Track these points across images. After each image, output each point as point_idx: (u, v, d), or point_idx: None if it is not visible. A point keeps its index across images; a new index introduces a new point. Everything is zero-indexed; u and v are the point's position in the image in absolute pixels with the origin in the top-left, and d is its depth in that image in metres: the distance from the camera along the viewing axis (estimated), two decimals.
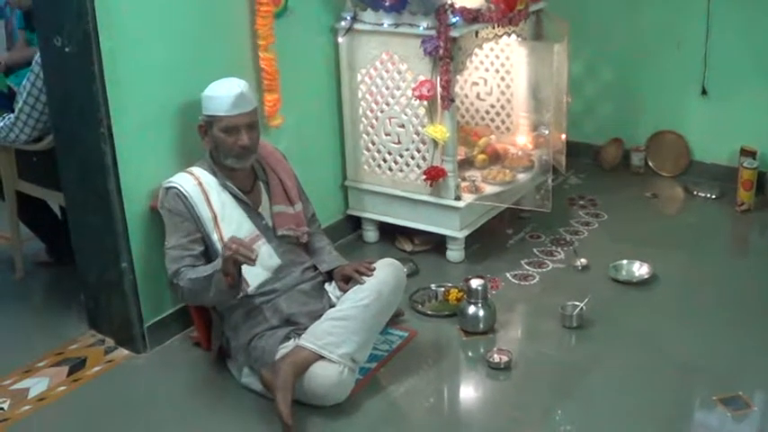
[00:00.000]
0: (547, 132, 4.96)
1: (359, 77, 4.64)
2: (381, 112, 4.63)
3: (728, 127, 5.52)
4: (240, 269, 3.36)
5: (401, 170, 4.66)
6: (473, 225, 4.70)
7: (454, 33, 4.26)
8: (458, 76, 4.59)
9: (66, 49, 3.57)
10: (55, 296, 4.55)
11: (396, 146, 4.64)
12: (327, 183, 4.85)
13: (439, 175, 4.46)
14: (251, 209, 3.68)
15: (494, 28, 4.57)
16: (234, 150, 3.57)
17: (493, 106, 5.36)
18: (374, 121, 4.67)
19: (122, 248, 3.76)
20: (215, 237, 3.55)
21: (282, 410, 3.25)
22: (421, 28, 4.31)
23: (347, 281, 3.73)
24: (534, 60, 5.05)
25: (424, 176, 4.50)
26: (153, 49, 3.71)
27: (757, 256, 4.83)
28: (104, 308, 4.01)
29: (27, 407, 3.59)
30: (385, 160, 4.70)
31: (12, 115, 4.21)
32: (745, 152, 5.31)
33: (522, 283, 4.45)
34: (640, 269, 4.47)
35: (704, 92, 5.51)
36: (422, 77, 4.37)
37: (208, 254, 3.57)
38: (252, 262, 3.27)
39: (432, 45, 4.25)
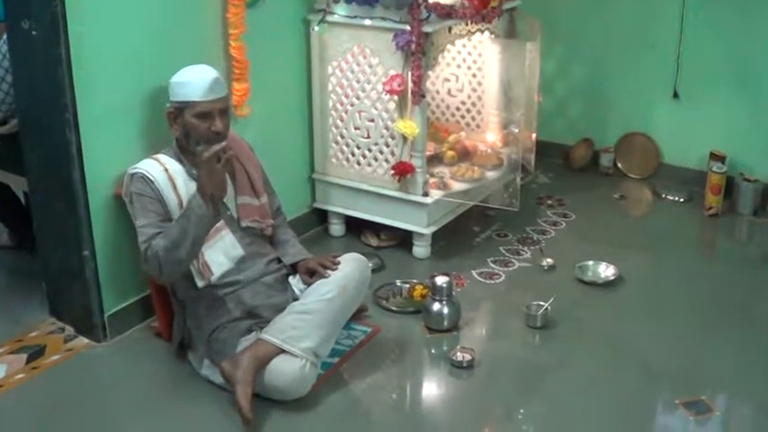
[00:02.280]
0: (517, 131, 4.96)
1: (330, 70, 4.61)
2: (351, 105, 4.60)
3: (698, 131, 5.53)
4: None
5: (369, 164, 4.64)
6: (440, 222, 4.68)
7: (427, 29, 4.24)
8: (429, 72, 4.58)
9: (34, 33, 3.51)
10: (16, 282, 4.49)
11: (364, 140, 4.61)
12: (294, 175, 4.82)
13: (407, 171, 4.45)
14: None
15: (467, 24, 4.56)
16: (206, 136, 3.51)
17: (464, 103, 5.35)
18: (344, 114, 4.65)
19: (85, 236, 3.71)
20: None
21: (242, 405, 3.23)
22: (393, 22, 4.29)
23: (311, 274, 3.70)
24: (506, 58, 5.04)
25: (392, 171, 4.48)
26: (122, 35, 3.66)
27: (723, 261, 4.84)
28: (65, 296, 3.96)
29: None
30: (353, 154, 4.68)
31: None
32: (715, 157, 5.33)
33: (487, 281, 4.44)
34: (606, 270, 4.47)
35: (676, 95, 5.52)
36: (393, 72, 4.35)
37: None
38: (228, 150, 3.42)
39: (404, 39, 4.24)
